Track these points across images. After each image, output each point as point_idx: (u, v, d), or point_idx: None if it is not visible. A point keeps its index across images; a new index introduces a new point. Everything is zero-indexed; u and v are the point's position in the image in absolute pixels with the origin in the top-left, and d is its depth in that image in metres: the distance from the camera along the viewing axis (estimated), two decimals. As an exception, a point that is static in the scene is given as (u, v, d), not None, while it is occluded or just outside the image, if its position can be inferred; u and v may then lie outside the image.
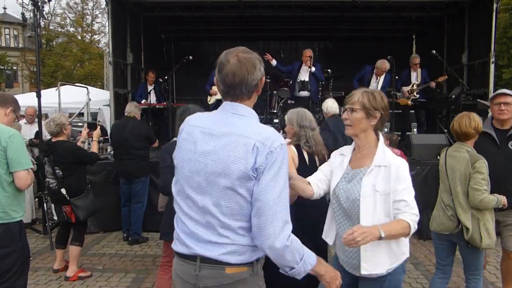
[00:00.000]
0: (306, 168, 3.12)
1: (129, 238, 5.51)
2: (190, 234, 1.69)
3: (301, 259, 1.61)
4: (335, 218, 2.22)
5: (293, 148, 3.16)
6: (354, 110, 2.09)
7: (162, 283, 3.31)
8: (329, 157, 2.44)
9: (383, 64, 7.19)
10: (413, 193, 2.05)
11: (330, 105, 5.40)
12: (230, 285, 1.63)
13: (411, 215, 2.00)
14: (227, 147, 1.60)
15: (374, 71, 7.32)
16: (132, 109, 5.58)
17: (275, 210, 1.54)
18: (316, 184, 2.28)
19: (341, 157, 2.27)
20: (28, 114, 7.08)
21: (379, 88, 7.26)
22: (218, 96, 7.49)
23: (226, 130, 1.63)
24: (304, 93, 7.36)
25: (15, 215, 2.76)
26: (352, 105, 2.10)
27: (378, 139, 2.14)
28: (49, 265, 4.74)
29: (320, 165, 3.21)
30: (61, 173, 4.18)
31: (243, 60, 1.64)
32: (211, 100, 7.60)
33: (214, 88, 7.51)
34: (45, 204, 5.47)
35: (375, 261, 2.05)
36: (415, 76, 7.63)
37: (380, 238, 1.88)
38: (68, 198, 4.17)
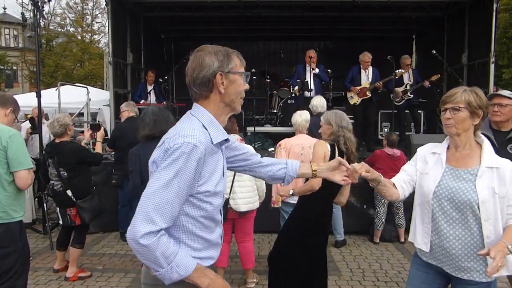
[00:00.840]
0: None
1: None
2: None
3: (168, 264, 1.47)
4: (433, 220, 2.11)
5: (328, 146, 3.18)
6: (459, 109, 2.00)
7: None
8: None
9: (364, 56, 7.29)
10: None
11: (315, 103, 5.58)
12: (152, 286, 1.63)
13: None
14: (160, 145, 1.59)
15: (361, 66, 7.37)
16: (136, 109, 5.58)
17: (144, 204, 1.45)
18: (401, 185, 2.23)
19: (434, 155, 2.17)
20: (35, 116, 6.99)
21: (369, 80, 7.29)
22: None
23: (171, 130, 1.62)
24: (307, 94, 7.34)
25: (15, 215, 2.76)
26: (456, 104, 2.01)
27: (479, 139, 2.09)
28: (49, 265, 4.74)
29: None
30: (66, 174, 4.15)
31: (193, 58, 1.62)
32: None
33: None
34: (45, 204, 5.47)
35: (508, 263, 1.97)
36: (408, 77, 7.66)
37: (510, 252, 1.85)
38: (74, 200, 4.14)
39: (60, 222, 4.35)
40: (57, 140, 4.22)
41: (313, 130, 4.34)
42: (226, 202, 3.86)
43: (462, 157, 2.07)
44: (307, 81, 7.45)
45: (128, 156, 3.58)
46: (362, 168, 1.97)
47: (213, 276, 1.58)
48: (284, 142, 4.32)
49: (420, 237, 2.17)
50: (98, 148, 4.50)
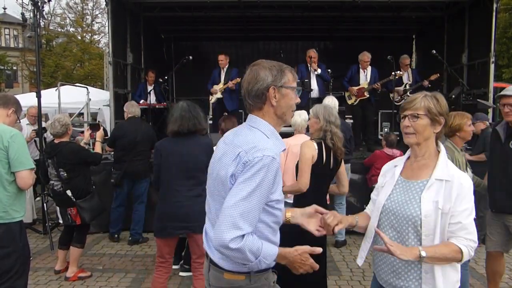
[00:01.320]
0: (320, 169, 3.14)
1: (130, 238, 5.51)
2: (205, 233, 1.86)
3: (256, 257, 1.61)
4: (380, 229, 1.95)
5: (315, 145, 3.15)
6: (418, 116, 1.86)
7: (157, 286, 3.30)
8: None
9: (363, 55, 7.27)
10: (473, 215, 1.81)
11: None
12: None
13: (467, 241, 1.78)
14: (225, 155, 1.70)
15: (360, 66, 7.35)
16: (137, 110, 5.59)
17: (229, 213, 1.56)
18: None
19: (393, 169, 2.05)
20: (30, 115, 7.00)
21: (368, 80, 7.27)
22: (219, 95, 7.48)
23: (232, 139, 1.74)
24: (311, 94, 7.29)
25: (16, 215, 2.77)
26: (416, 111, 1.86)
27: (438, 148, 1.93)
28: (49, 265, 4.74)
29: (336, 162, 3.23)
30: (65, 174, 4.15)
31: (249, 72, 1.74)
32: (212, 99, 7.60)
33: (215, 87, 7.51)
34: (45, 204, 5.47)
35: (434, 285, 1.81)
36: (407, 76, 7.66)
37: (420, 257, 1.72)
38: (74, 200, 4.15)
39: (61, 221, 4.36)
40: (56, 141, 4.22)
41: None
42: None
43: (418, 168, 1.93)
44: (307, 81, 7.44)
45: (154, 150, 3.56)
46: (333, 221, 1.88)
47: (289, 254, 1.72)
48: None
49: (363, 252, 2.07)
50: (98, 148, 4.51)
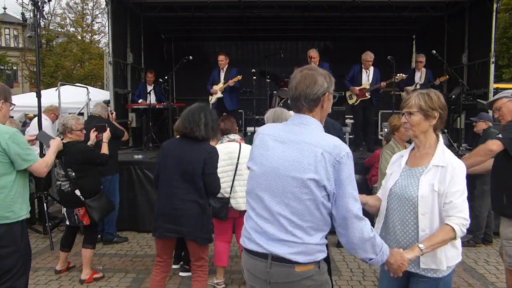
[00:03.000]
0: None
1: (102, 238, 5.45)
2: (262, 233, 1.83)
3: (380, 250, 1.82)
4: (386, 217, 2.25)
5: None
6: (412, 113, 2.14)
7: (153, 284, 3.31)
8: None
9: (366, 55, 7.25)
10: (464, 196, 2.06)
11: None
12: (298, 282, 1.78)
13: (458, 219, 2.02)
14: (297, 154, 1.77)
15: (362, 66, 7.34)
16: (98, 110, 5.53)
17: (352, 210, 1.73)
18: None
19: (400, 159, 2.31)
20: (50, 113, 6.87)
21: (370, 81, 7.26)
22: (219, 95, 7.48)
23: (293, 137, 1.81)
24: None
25: (21, 213, 2.76)
26: (410, 109, 2.15)
27: (438, 138, 2.19)
28: (49, 265, 4.74)
29: None
30: (73, 174, 4.14)
31: (305, 75, 1.84)
32: (212, 99, 7.60)
33: (215, 87, 7.52)
34: (45, 204, 5.47)
35: (434, 257, 2.08)
36: (419, 76, 7.63)
37: (421, 251, 2.00)
38: (83, 200, 4.13)
39: (67, 223, 4.29)
40: (64, 140, 4.20)
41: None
42: (227, 201, 3.87)
43: (420, 157, 2.19)
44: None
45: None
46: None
47: (393, 252, 1.96)
48: None
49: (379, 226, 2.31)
50: (104, 149, 4.46)
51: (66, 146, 4.12)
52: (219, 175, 3.85)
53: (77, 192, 4.12)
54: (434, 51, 7.24)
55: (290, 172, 1.76)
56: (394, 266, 1.96)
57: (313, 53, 7.28)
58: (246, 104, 8.60)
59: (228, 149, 3.93)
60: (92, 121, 5.28)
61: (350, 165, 1.75)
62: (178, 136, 3.30)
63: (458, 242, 2.16)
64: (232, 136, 4.03)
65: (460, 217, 2.02)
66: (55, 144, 3.23)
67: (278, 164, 1.80)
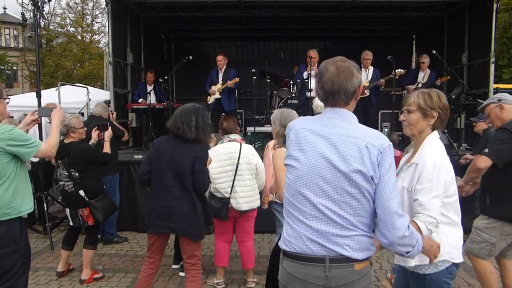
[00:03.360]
0: None
1: (103, 238, 5.46)
2: (315, 234, 1.72)
3: (417, 241, 1.73)
4: None
5: (285, 150, 3.12)
6: (411, 111, 2.15)
7: (140, 279, 3.36)
8: None
9: (364, 54, 7.30)
10: (432, 194, 2.00)
11: (318, 104, 5.41)
12: (357, 281, 1.73)
13: (424, 216, 1.99)
14: (341, 147, 1.70)
15: (361, 65, 7.35)
16: (99, 110, 5.54)
17: (392, 204, 1.66)
18: None
19: (407, 154, 2.34)
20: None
21: (369, 79, 7.27)
22: (217, 96, 7.48)
23: (334, 131, 1.74)
24: (307, 94, 7.24)
25: (22, 208, 2.75)
26: (408, 107, 2.16)
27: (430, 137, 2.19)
28: (49, 265, 4.74)
29: None
30: (77, 174, 4.14)
31: (341, 68, 1.76)
32: (210, 100, 7.60)
33: (213, 88, 7.52)
34: (45, 204, 5.47)
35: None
36: (422, 76, 7.63)
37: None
38: (87, 200, 4.13)
39: (71, 223, 4.29)
40: (66, 141, 4.20)
41: None
42: (227, 201, 3.86)
43: (414, 154, 2.21)
44: (307, 81, 7.44)
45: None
46: None
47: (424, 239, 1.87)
48: (271, 143, 4.16)
49: None
50: (106, 148, 4.45)
51: (69, 147, 4.12)
52: (219, 175, 3.86)
53: (81, 192, 4.11)
54: (434, 51, 7.24)
55: (337, 166, 1.69)
56: (429, 251, 1.92)
57: (313, 53, 7.29)
58: (246, 104, 8.60)
59: (228, 149, 3.93)
60: (93, 121, 5.28)
61: (392, 157, 1.71)
62: (169, 135, 3.33)
63: (452, 239, 2.13)
64: (233, 136, 4.03)
65: (426, 215, 1.98)
66: (57, 117, 3.10)
67: (323, 158, 1.71)
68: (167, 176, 3.19)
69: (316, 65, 7.29)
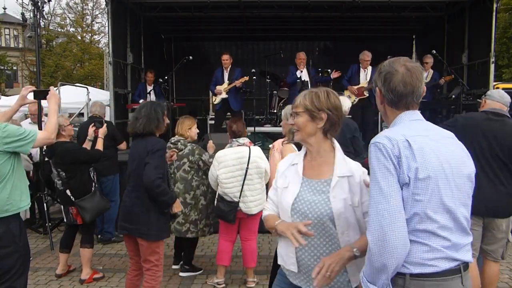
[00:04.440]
0: None
1: (100, 236, 5.46)
2: (452, 247, 1.57)
3: None
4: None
5: (293, 147, 3.11)
6: (298, 113, 1.91)
7: (127, 282, 3.37)
8: None
9: (364, 54, 7.29)
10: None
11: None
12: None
13: None
14: (452, 148, 1.63)
15: (360, 65, 7.37)
16: (97, 109, 5.54)
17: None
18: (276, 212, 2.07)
19: (292, 167, 2.00)
20: (32, 114, 6.89)
21: (367, 80, 7.27)
22: (224, 95, 7.45)
23: (437, 133, 1.66)
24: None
25: (21, 204, 2.76)
26: (296, 109, 1.92)
27: (333, 144, 1.95)
28: (49, 265, 4.74)
29: None
30: (64, 174, 4.15)
31: (412, 69, 1.65)
32: (216, 100, 7.56)
33: (219, 88, 7.48)
34: (45, 204, 5.47)
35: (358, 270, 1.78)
36: (425, 76, 7.61)
37: (355, 257, 1.73)
38: (73, 200, 4.14)
39: (65, 220, 4.38)
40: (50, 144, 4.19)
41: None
42: (236, 205, 3.85)
43: (318, 166, 1.93)
44: (307, 81, 7.45)
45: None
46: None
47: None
48: (277, 143, 4.11)
49: (286, 257, 1.97)
50: (99, 145, 4.42)
51: (55, 147, 4.09)
52: (228, 180, 3.85)
53: (68, 192, 4.13)
54: (434, 51, 7.24)
55: (460, 169, 1.60)
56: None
57: (302, 55, 7.42)
58: (246, 104, 8.58)
59: (237, 154, 3.90)
60: (93, 122, 5.29)
61: None
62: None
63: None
64: (241, 140, 3.99)
65: None
66: (53, 100, 3.03)
67: (449, 164, 1.58)
68: (130, 176, 3.24)
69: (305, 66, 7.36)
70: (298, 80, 7.51)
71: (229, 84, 7.38)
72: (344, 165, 1.88)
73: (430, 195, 1.52)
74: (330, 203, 1.82)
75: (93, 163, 4.41)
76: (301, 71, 7.34)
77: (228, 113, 7.63)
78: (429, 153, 1.55)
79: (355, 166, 1.90)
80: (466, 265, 1.59)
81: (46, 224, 5.41)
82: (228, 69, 7.51)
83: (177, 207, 3.32)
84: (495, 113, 3.30)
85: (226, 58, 7.44)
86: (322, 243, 1.86)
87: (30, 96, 3.22)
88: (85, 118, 8.95)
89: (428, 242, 1.54)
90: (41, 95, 3.27)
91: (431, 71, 7.63)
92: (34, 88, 3.17)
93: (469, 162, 1.64)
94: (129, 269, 3.38)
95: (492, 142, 3.18)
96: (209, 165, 4.12)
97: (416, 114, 1.70)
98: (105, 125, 4.60)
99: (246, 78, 7.22)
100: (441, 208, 1.54)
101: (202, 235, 4.34)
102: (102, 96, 10.54)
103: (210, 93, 8.32)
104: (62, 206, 4.37)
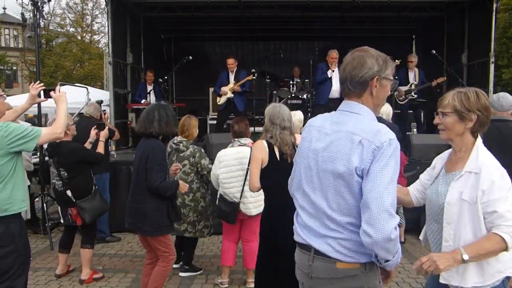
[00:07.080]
0: (277, 163, 3.05)
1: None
2: (305, 227, 1.78)
3: (396, 252, 1.63)
4: (427, 221, 2.10)
5: (265, 144, 3.07)
6: (446, 114, 1.92)
7: (142, 279, 3.54)
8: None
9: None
10: (509, 203, 1.80)
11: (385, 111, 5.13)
12: (340, 279, 1.68)
13: (507, 227, 1.77)
14: (335, 144, 1.67)
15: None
16: (91, 110, 5.54)
17: (381, 203, 1.52)
18: (414, 194, 2.23)
19: (440, 160, 2.13)
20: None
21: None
22: (230, 95, 7.43)
23: (337, 128, 1.70)
24: (335, 95, 7.05)
25: (21, 204, 2.75)
26: (443, 109, 1.93)
27: (475, 141, 1.95)
28: (49, 265, 4.74)
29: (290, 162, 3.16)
30: (66, 174, 4.13)
31: (355, 56, 1.70)
32: (221, 100, 7.55)
33: (224, 89, 7.46)
34: (45, 204, 5.47)
35: (457, 272, 1.87)
36: (413, 76, 7.63)
37: (463, 261, 1.77)
38: (74, 200, 4.12)
39: (62, 221, 4.35)
40: (57, 140, 4.19)
41: None
42: (236, 206, 3.85)
43: (456, 161, 1.99)
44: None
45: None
46: None
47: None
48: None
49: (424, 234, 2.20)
50: (100, 148, 4.44)
51: (59, 146, 4.10)
52: (228, 180, 3.84)
53: (69, 192, 4.12)
54: (434, 51, 7.25)
55: (325, 165, 1.67)
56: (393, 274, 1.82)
57: (335, 54, 7.15)
58: (246, 104, 8.60)
59: (238, 154, 3.88)
60: (83, 121, 5.29)
61: (390, 154, 1.57)
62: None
63: (502, 255, 1.87)
64: (243, 140, 3.98)
65: (509, 226, 1.77)
66: (60, 99, 3.03)
67: (318, 156, 1.71)
68: (134, 174, 3.46)
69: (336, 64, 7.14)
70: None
71: (235, 84, 7.35)
72: (475, 161, 1.89)
73: (296, 177, 1.85)
74: (447, 193, 1.92)
75: (96, 164, 4.41)
76: (333, 71, 7.10)
77: (232, 114, 7.62)
78: (305, 143, 1.81)
79: (487, 164, 1.86)
80: (319, 252, 1.70)
81: (46, 224, 5.41)
82: (234, 71, 7.50)
83: (183, 188, 3.55)
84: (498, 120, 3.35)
85: (231, 62, 7.42)
86: (438, 230, 1.97)
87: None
88: (85, 118, 8.96)
89: (296, 216, 1.88)
90: (48, 93, 3.29)
91: (416, 70, 7.64)
92: (43, 87, 3.19)
93: (342, 158, 1.61)
94: (145, 259, 3.62)
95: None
96: (208, 170, 4.14)
97: (346, 105, 1.75)
98: (106, 128, 4.60)
99: (251, 76, 7.22)
100: (302, 192, 1.80)
101: (201, 236, 4.34)
102: (102, 96, 10.53)
103: (211, 94, 8.32)
104: (59, 207, 4.32)
